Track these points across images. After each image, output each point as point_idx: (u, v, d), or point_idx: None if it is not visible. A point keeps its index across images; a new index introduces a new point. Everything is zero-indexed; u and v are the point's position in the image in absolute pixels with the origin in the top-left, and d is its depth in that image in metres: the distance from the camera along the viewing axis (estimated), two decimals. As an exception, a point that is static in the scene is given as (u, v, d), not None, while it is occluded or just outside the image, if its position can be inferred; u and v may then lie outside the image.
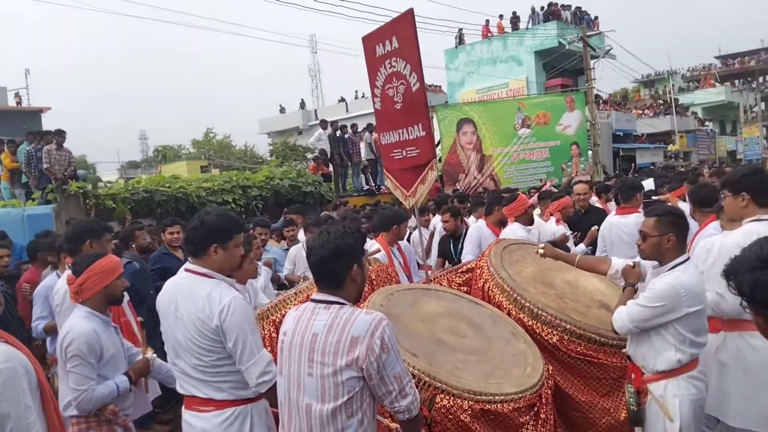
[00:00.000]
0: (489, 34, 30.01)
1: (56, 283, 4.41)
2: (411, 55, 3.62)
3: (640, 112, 37.04)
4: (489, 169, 16.81)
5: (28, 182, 10.74)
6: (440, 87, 33.34)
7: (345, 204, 11.65)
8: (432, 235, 7.33)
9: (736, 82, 55.20)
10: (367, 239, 5.92)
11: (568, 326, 3.33)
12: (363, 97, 38.41)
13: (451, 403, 2.67)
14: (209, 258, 2.68)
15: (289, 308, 3.00)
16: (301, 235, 7.14)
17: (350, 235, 2.30)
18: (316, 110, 43.13)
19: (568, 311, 3.45)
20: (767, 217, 3.20)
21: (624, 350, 3.28)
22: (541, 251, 3.62)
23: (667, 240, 3.03)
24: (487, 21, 30.02)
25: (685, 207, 4.75)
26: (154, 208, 10.51)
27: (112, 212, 9.90)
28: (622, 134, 30.35)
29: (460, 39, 30.66)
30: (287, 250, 6.87)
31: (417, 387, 2.67)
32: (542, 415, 2.88)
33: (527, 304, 3.44)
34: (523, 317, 3.44)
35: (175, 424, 4.53)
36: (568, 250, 5.67)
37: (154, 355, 3.27)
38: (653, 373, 3.05)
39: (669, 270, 3.03)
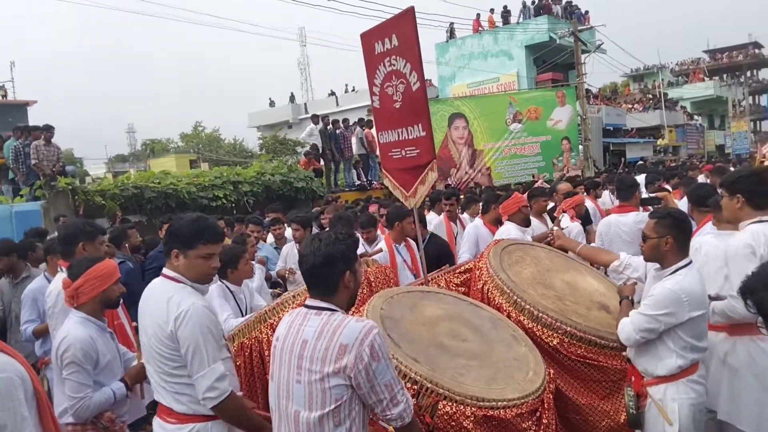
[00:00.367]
0: (480, 28, 29.92)
1: (45, 286, 4.35)
2: (411, 53, 3.58)
3: (630, 106, 37.24)
4: (480, 164, 16.83)
5: (15, 178, 10.59)
6: (431, 81, 33.27)
7: (336, 200, 11.57)
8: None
9: (725, 76, 55.61)
10: (378, 236, 5.97)
11: (569, 329, 3.31)
12: (353, 90, 38.31)
13: (454, 409, 2.64)
14: (172, 262, 2.63)
15: (287, 311, 2.95)
16: (289, 232, 7.08)
17: (342, 241, 2.27)
18: (306, 104, 42.95)
19: (568, 313, 3.43)
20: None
21: (624, 353, 3.28)
22: (556, 230, 3.64)
23: (666, 242, 3.01)
24: (478, 15, 29.92)
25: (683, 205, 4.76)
26: (144, 204, 10.42)
27: (101, 209, 9.79)
28: (612, 129, 30.52)
29: (451, 33, 30.56)
30: (277, 248, 6.83)
31: (419, 393, 2.66)
32: (544, 420, 2.85)
33: (527, 307, 3.41)
34: (523, 320, 3.41)
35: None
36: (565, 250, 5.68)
37: None
38: (653, 377, 3.04)
39: (670, 274, 3.01)
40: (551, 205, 7.11)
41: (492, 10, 30.05)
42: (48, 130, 10.35)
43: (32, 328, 4.37)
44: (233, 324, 3.69)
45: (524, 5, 29.02)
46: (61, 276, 3.42)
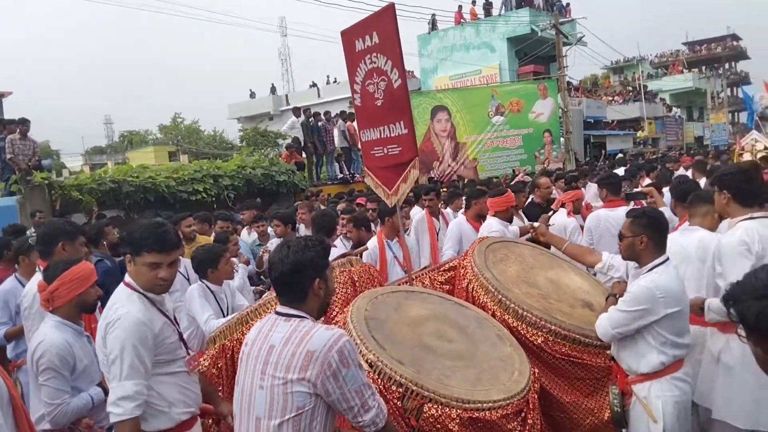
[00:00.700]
0: (462, 20, 29.89)
1: (16, 287, 4.25)
2: (392, 51, 3.53)
3: (610, 99, 37.54)
4: (463, 156, 16.83)
5: (-11, 173, 10.36)
6: (412, 72, 33.19)
7: (317, 194, 11.48)
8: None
9: (703, 68, 56.29)
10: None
11: (553, 327, 3.31)
12: (335, 82, 38.07)
13: (439, 412, 2.62)
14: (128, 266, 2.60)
15: (270, 312, 2.90)
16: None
17: (311, 248, 2.23)
18: (287, 95, 42.65)
19: (552, 312, 3.43)
20: (759, 215, 3.21)
21: (609, 351, 3.30)
22: (536, 225, 3.65)
23: (640, 241, 3.06)
24: (460, 7, 29.87)
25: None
26: (122, 199, 10.25)
27: (78, 204, 9.62)
28: (592, 121, 30.75)
29: (433, 24, 30.47)
30: (261, 245, 6.75)
31: (404, 396, 2.64)
32: (529, 420, 2.85)
33: (512, 305, 3.41)
34: (508, 318, 3.40)
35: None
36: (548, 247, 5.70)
37: None
38: (637, 374, 3.07)
39: (647, 272, 3.04)
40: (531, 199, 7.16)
41: (474, 2, 30.02)
42: (24, 123, 10.11)
43: (3, 331, 4.25)
44: (214, 325, 3.64)
45: (506, -3, 29.04)
46: (38, 277, 3.34)
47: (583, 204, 6.61)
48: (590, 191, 9.11)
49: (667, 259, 3.08)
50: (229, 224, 6.70)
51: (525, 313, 3.36)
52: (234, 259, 4.97)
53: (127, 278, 2.59)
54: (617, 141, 31.63)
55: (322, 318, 2.41)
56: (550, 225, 5.87)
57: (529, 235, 5.00)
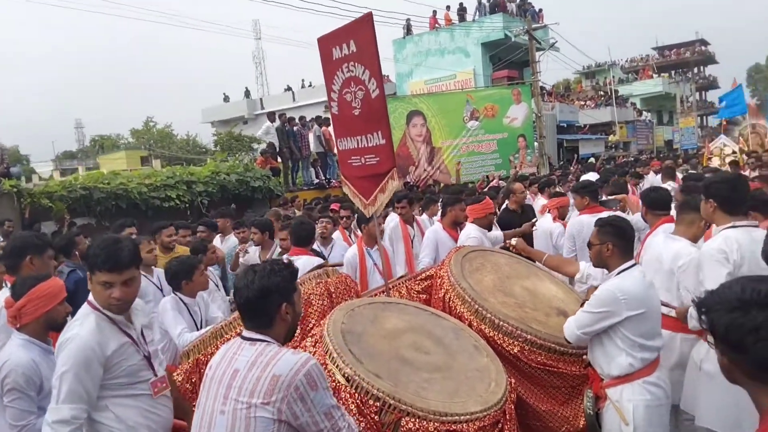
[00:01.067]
0: (437, 25, 30.06)
1: None
2: (370, 60, 3.51)
3: (582, 103, 38.06)
4: (439, 161, 16.89)
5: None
6: (388, 77, 33.24)
7: (293, 201, 11.39)
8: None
9: (673, 73, 57.48)
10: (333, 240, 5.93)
11: (529, 336, 3.33)
12: (310, 86, 37.92)
13: (417, 425, 2.60)
14: None
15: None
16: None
17: (278, 272, 2.20)
18: (261, 99, 42.33)
19: (528, 321, 3.45)
20: (742, 224, 3.27)
21: (585, 357, 3.35)
22: (514, 242, 3.70)
23: (606, 248, 3.19)
24: (434, 12, 30.06)
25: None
26: (93, 206, 10.04)
27: (48, 211, 9.40)
28: (565, 125, 31.12)
29: (408, 29, 30.58)
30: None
31: (382, 410, 2.62)
32: (507, 431, 2.86)
33: (488, 315, 3.42)
34: (485, 328, 3.41)
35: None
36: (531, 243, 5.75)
37: None
38: (610, 378, 3.14)
39: (614, 276, 3.16)
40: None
41: (448, 8, 30.23)
42: (-11, 129, 9.86)
43: None
44: (188, 339, 3.58)
45: (479, 3, 29.29)
46: (6, 292, 3.24)
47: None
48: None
49: (634, 264, 3.20)
50: (189, 233, 6.61)
51: (501, 322, 3.37)
52: (210, 269, 4.92)
53: (90, 296, 2.54)
54: (590, 145, 32.08)
55: (289, 343, 2.38)
56: (534, 230, 5.95)
57: (504, 244, 5.04)
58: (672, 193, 5.25)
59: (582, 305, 3.42)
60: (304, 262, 4.42)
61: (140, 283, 2.71)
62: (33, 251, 3.52)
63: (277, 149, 14.31)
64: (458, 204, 5.77)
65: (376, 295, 3.96)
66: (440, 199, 7.96)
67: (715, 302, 1.55)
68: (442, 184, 14.89)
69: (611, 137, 35.97)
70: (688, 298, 3.38)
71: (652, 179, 11.99)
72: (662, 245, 3.75)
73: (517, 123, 18.17)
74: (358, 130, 3.78)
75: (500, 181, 13.24)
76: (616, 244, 3.17)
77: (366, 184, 3.88)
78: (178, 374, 3.33)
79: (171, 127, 46.99)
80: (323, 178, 15.15)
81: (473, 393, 2.88)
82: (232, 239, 7.01)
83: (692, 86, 53.27)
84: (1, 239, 7.48)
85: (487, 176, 14.98)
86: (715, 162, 14.17)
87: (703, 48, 62.98)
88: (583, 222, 5.48)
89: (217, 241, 7.25)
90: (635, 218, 5.73)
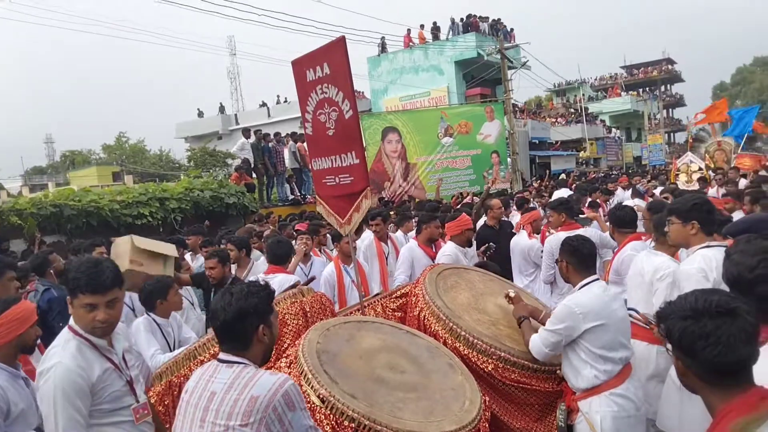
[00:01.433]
0: (411, 44, 30.43)
1: None
2: (343, 82, 3.56)
3: (554, 120, 38.75)
4: (414, 177, 16.99)
5: None
6: (363, 93, 33.47)
7: (268, 217, 11.32)
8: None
9: (641, 91, 58.91)
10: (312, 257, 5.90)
11: (503, 354, 3.37)
12: (285, 102, 37.90)
13: (393, 446, 2.61)
14: None
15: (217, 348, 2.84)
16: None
17: (254, 294, 2.20)
18: (236, 114, 42.14)
19: (502, 338, 3.49)
20: (715, 244, 3.37)
21: (559, 372, 3.41)
22: (512, 294, 3.74)
23: (564, 265, 3.42)
24: (409, 30, 30.44)
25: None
26: (63, 223, 9.83)
27: (17, 230, 9.18)
28: (537, 142, 31.65)
29: (383, 47, 30.88)
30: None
31: (357, 431, 2.62)
32: (481, 450, 2.88)
33: (463, 333, 3.45)
34: (459, 346, 3.44)
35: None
36: (493, 259, 5.78)
37: None
38: (580, 391, 3.24)
39: (576, 291, 3.33)
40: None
41: (422, 26, 30.65)
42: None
43: None
44: (161, 360, 3.53)
45: (453, 22, 29.76)
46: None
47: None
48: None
49: (596, 279, 3.35)
50: (182, 249, 6.54)
51: (475, 340, 3.40)
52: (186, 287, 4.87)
53: (71, 321, 2.49)
54: (561, 161, 32.62)
55: (266, 365, 2.38)
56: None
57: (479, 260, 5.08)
58: (638, 211, 5.38)
59: (520, 324, 3.55)
60: (280, 280, 4.41)
61: (122, 305, 2.66)
62: None
63: (252, 165, 14.25)
64: (433, 221, 5.82)
65: (351, 313, 3.97)
66: (415, 216, 8.00)
67: (671, 311, 1.69)
68: (416, 200, 14.97)
69: (582, 153, 36.66)
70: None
71: (621, 195, 12.25)
72: (645, 260, 3.86)
73: (491, 140, 18.40)
74: (333, 150, 3.82)
75: (474, 197, 13.35)
76: (569, 262, 3.38)
77: (341, 203, 3.90)
78: (150, 396, 3.28)
79: (144, 142, 46.50)
80: (298, 194, 15.12)
81: (448, 412, 2.89)
82: (202, 257, 6.95)
83: (659, 104, 54.65)
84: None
85: (461, 193, 15.08)
86: (683, 178, 14.53)
87: (669, 67, 64.77)
88: (560, 239, 5.56)
89: (187, 258, 7.18)
90: (606, 235, 5.86)
